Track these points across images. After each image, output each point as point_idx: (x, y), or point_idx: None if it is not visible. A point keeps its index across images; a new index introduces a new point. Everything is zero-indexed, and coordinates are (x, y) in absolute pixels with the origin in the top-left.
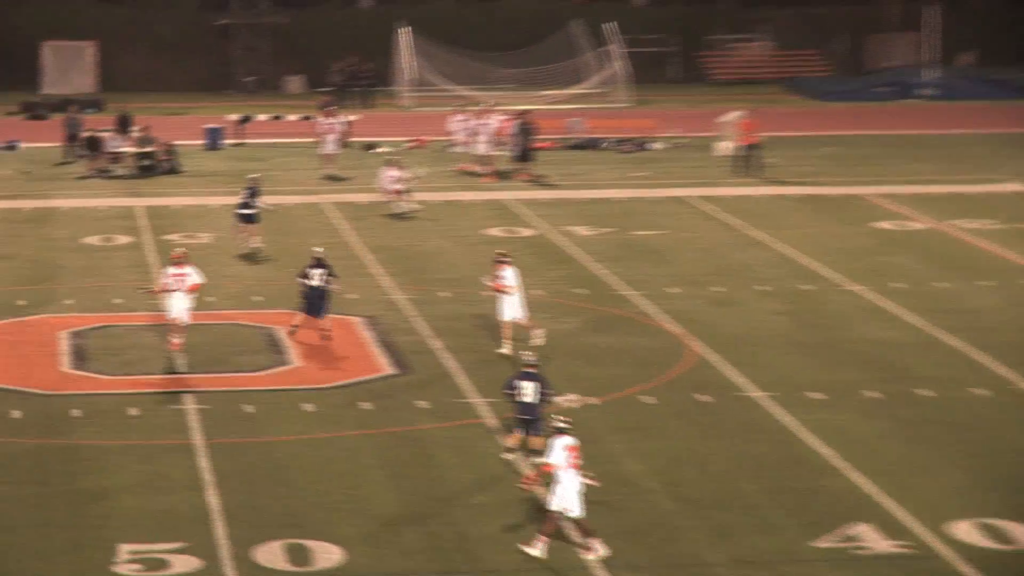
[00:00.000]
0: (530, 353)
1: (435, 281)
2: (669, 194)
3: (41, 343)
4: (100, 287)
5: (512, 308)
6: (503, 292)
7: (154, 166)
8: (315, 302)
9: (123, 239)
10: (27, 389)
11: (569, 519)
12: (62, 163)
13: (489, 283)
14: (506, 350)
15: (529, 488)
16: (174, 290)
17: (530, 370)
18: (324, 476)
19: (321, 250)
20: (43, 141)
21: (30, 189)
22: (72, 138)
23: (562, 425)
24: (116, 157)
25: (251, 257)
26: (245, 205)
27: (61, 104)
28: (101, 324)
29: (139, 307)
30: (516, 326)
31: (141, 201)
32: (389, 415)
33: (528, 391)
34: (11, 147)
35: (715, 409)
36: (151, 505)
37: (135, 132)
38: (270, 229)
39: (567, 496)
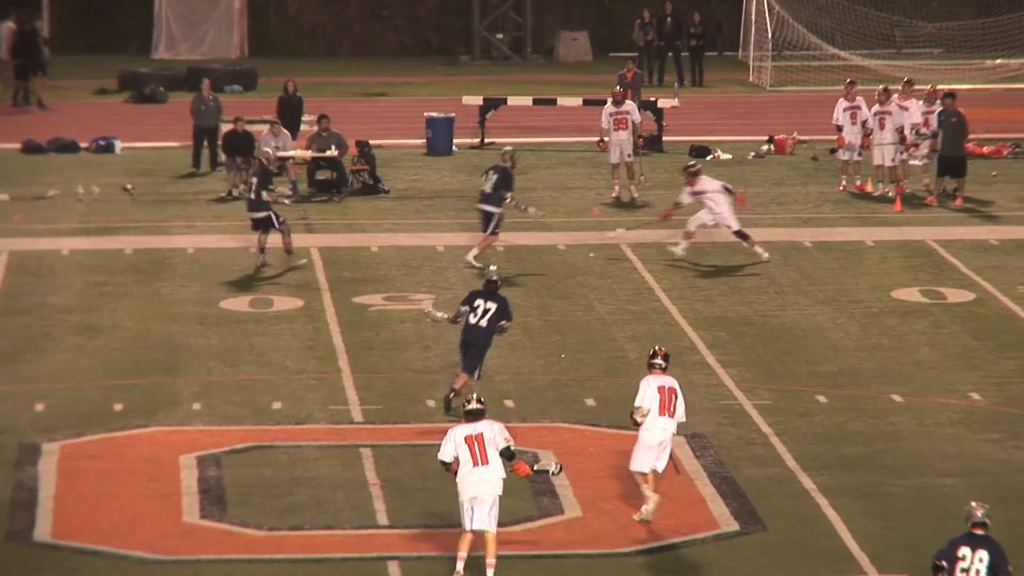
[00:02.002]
0: (980, 506)
1: (808, 376)
2: None
3: (151, 475)
4: (248, 382)
5: (646, 454)
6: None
7: (340, 181)
8: (473, 352)
9: (287, 302)
10: (128, 552)
11: None
12: (189, 175)
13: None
14: None
15: None
16: None
17: (979, 531)
18: None
19: (495, 269)
20: (157, 139)
21: (135, 217)
22: (205, 134)
23: None
24: (278, 166)
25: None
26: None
27: (186, 78)
28: (249, 444)
29: (313, 416)
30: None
31: (318, 239)
32: None
33: (975, 565)
34: (105, 148)
35: None
36: None
37: (308, 125)
38: (529, 286)
39: None
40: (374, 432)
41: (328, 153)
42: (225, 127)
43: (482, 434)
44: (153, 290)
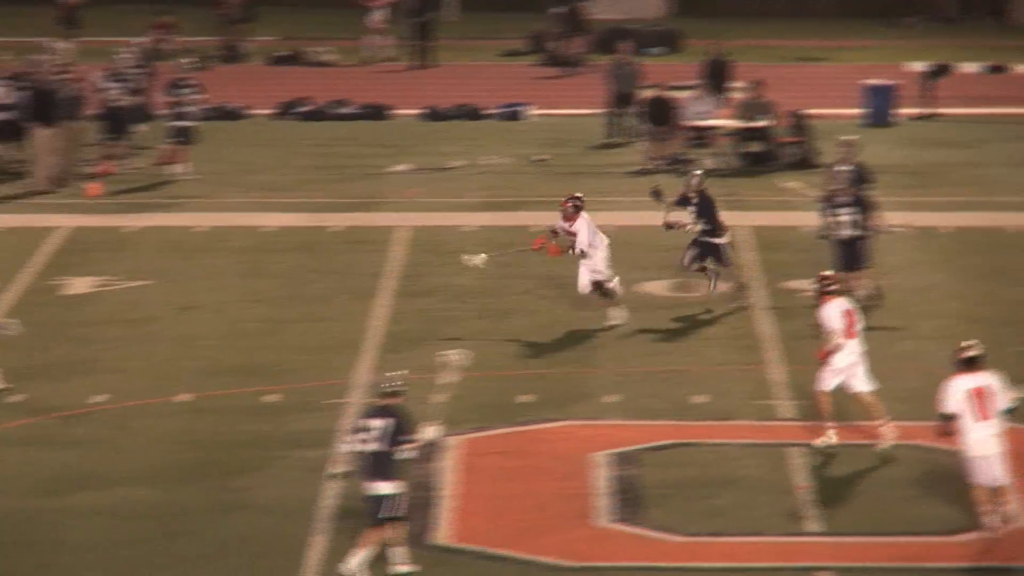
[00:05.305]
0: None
1: None
2: None
3: (560, 473)
4: (668, 374)
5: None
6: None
7: (770, 153)
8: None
9: (702, 286)
10: (535, 557)
11: None
12: (605, 144)
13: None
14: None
15: None
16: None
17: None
18: None
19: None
20: (570, 105)
21: (544, 191)
22: (623, 99)
23: None
24: (702, 136)
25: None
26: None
27: (604, 39)
28: (668, 441)
29: (742, 411)
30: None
31: (749, 217)
32: None
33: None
34: (513, 114)
35: None
36: None
37: (737, 92)
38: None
39: None
40: (805, 431)
41: (756, 122)
42: (646, 93)
43: (983, 388)
44: (565, 270)
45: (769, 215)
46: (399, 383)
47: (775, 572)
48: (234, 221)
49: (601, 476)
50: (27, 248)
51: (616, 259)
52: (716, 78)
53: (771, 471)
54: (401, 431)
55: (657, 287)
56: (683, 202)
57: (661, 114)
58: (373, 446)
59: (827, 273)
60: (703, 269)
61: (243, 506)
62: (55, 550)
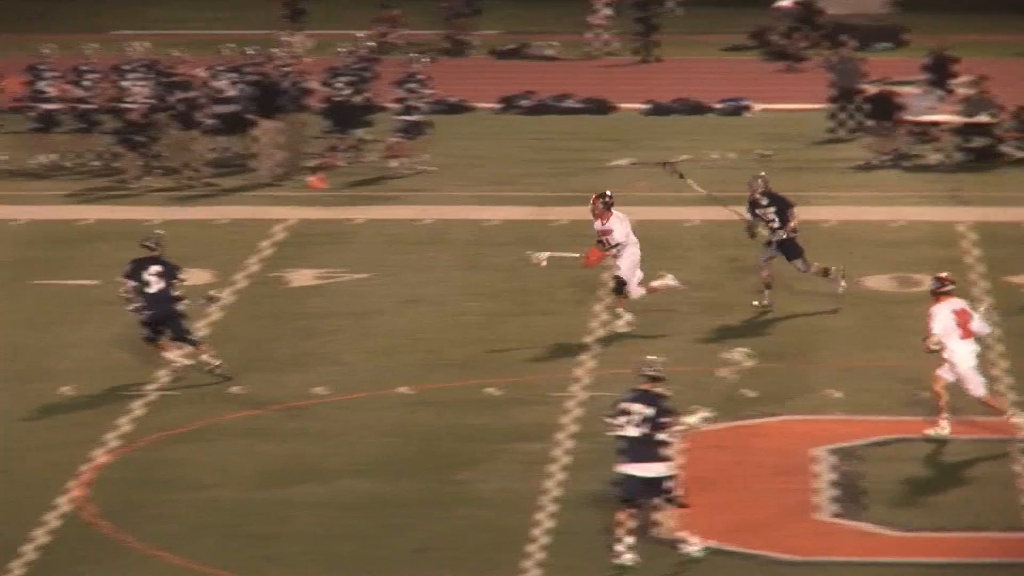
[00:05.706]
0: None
1: None
2: None
3: (780, 468)
4: (890, 369)
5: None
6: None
7: (992, 149)
8: None
9: (925, 281)
10: (756, 552)
11: None
12: (829, 139)
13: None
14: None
15: None
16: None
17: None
18: None
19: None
20: (792, 100)
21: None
22: (846, 95)
23: None
24: (924, 131)
25: None
26: None
27: (828, 34)
28: (891, 436)
29: (964, 407)
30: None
31: (970, 213)
32: None
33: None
34: (736, 109)
35: None
36: None
37: (960, 88)
38: None
39: None
40: None
41: (978, 118)
42: (869, 89)
43: None
44: (784, 266)
45: (991, 210)
46: (659, 368)
47: (998, 568)
48: (456, 214)
49: (821, 471)
50: (251, 240)
51: (838, 254)
52: (939, 73)
53: (993, 466)
54: (662, 415)
55: (879, 282)
56: (753, 206)
57: (884, 110)
58: (633, 431)
59: (944, 275)
60: (824, 271)
61: (464, 499)
62: (278, 541)
